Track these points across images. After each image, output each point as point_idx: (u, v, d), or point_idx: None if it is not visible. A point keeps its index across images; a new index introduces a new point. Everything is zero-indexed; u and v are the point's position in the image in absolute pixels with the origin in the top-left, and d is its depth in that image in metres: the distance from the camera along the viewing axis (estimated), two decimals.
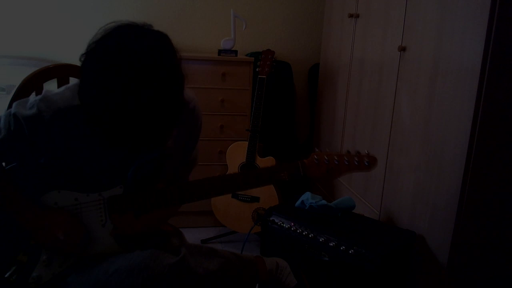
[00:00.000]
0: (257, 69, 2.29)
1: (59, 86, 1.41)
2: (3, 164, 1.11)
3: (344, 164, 1.12)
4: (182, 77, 0.98)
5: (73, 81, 1.41)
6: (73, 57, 1.05)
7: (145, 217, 1.14)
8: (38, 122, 1.04)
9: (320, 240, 1.54)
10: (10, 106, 1.24)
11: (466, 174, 1.35)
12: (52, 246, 1.08)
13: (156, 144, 1.02)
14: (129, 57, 0.89)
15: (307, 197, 1.79)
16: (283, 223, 1.66)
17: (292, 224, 1.63)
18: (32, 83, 1.41)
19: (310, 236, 1.57)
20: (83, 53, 0.95)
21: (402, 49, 1.69)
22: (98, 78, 0.91)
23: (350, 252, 1.46)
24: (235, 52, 2.47)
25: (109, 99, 0.90)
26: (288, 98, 2.80)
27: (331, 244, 1.51)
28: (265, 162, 2.20)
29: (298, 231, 1.61)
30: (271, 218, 1.70)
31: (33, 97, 1.08)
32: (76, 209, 1.11)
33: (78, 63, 1.00)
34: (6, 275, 1.05)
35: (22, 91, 1.38)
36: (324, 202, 1.75)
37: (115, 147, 1.00)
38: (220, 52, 2.46)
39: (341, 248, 1.49)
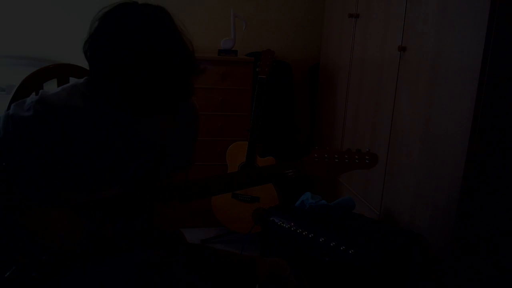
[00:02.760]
0: (257, 69, 2.29)
1: (59, 86, 1.41)
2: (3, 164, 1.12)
3: (344, 162, 1.12)
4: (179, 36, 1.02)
5: (72, 81, 1.41)
6: (73, 57, 1.05)
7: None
8: (35, 124, 1.05)
9: (320, 240, 1.54)
10: (9, 106, 1.24)
11: (466, 173, 1.35)
12: (52, 245, 1.08)
13: (170, 106, 1.04)
14: (135, 24, 0.95)
15: (307, 197, 1.79)
16: (283, 223, 1.66)
17: (292, 224, 1.63)
18: (32, 83, 1.41)
19: (310, 236, 1.57)
20: (94, 26, 0.99)
21: (402, 49, 1.69)
22: (110, 43, 0.96)
23: (350, 252, 1.46)
24: (235, 52, 2.47)
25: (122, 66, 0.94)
26: (288, 98, 2.80)
27: (331, 244, 1.51)
28: (265, 162, 2.20)
29: (298, 231, 1.61)
30: (271, 218, 1.70)
31: (30, 98, 1.09)
32: (75, 209, 1.11)
33: (78, 63, 1.01)
34: (6, 275, 1.05)
35: (22, 91, 1.38)
36: (324, 202, 1.75)
37: (133, 112, 1.04)
38: (220, 52, 2.46)
39: (341, 248, 1.49)
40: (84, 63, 1.07)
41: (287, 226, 1.64)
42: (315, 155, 1.12)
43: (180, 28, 1.03)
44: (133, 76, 0.94)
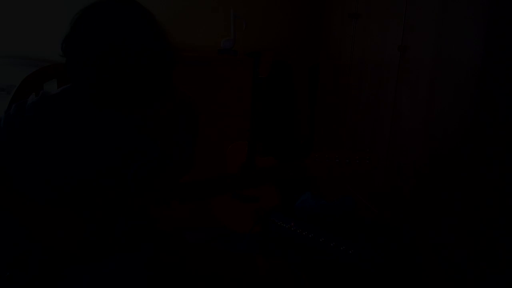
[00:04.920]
0: (257, 69, 2.29)
1: (59, 86, 1.41)
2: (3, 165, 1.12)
3: (345, 162, 1.12)
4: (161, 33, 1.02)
5: None
6: None
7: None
8: (35, 125, 1.05)
9: (320, 240, 1.54)
10: (9, 106, 1.24)
11: (467, 173, 1.35)
12: (52, 245, 1.08)
13: (142, 102, 1.04)
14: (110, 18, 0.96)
15: (307, 197, 1.78)
16: (283, 223, 1.66)
17: (292, 224, 1.63)
18: (32, 83, 1.41)
19: (310, 236, 1.57)
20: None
21: (402, 49, 1.69)
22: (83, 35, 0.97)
23: (350, 252, 1.46)
24: (235, 52, 2.47)
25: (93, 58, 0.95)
26: (288, 98, 2.80)
27: (331, 244, 1.51)
28: (265, 162, 2.20)
29: (298, 231, 1.61)
30: (271, 218, 1.70)
31: (31, 99, 1.09)
32: (75, 208, 1.11)
33: None
34: (6, 275, 1.05)
35: (22, 91, 1.38)
36: (324, 202, 1.75)
37: (106, 107, 1.04)
38: (219, 52, 2.46)
39: (341, 248, 1.49)
40: None
41: (287, 226, 1.64)
42: (316, 155, 1.13)
43: (155, 21, 1.03)
44: (104, 73, 0.95)
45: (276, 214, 1.70)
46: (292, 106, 2.83)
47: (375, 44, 1.98)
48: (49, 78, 1.45)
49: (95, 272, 1.08)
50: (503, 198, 1.38)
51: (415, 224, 1.62)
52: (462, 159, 1.35)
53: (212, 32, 2.72)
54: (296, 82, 2.87)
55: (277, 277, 1.39)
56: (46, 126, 1.05)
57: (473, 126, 1.31)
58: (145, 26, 1.00)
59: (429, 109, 1.53)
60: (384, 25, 1.88)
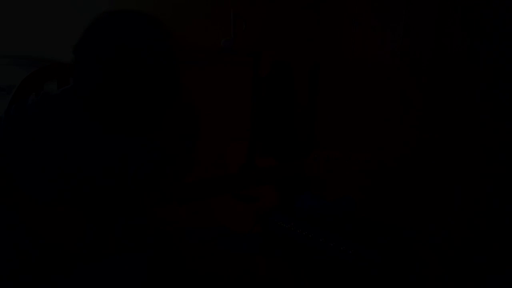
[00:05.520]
0: (257, 69, 2.29)
1: (59, 87, 1.41)
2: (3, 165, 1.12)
3: (345, 163, 1.12)
4: (171, 61, 1.01)
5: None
6: None
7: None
8: (36, 125, 1.05)
9: (320, 240, 1.54)
10: (10, 106, 1.25)
11: (467, 173, 1.35)
12: (54, 243, 1.08)
13: (146, 126, 1.05)
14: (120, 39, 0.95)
15: (307, 197, 1.79)
16: (283, 223, 1.66)
17: (292, 224, 1.63)
18: (32, 83, 1.41)
19: (310, 236, 1.57)
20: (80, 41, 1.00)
21: (402, 49, 1.69)
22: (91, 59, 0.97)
23: (350, 252, 1.46)
24: (235, 52, 2.47)
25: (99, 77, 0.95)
26: (288, 98, 2.80)
27: (331, 244, 1.51)
28: (265, 162, 2.20)
29: (297, 231, 1.61)
30: (271, 218, 1.70)
31: (31, 100, 1.09)
32: (76, 207, 1.11)
33: None
34: (6, 275, 1.05)
35: (22, 91, 1.38)
36: (324, 202, 1.75)
37: (109, 131, 1.04)
38: (219, 52, 2.46)
39: (341, 248, 1.49)
40: None
41: (287, 226, 1.64)
42: (316, 156, 1.13)
43: (168, 34, 1.02)
44: (113, 90, 0.95)
45: (276, 214, 1.70)
46: (292, 106, 2.83)
47: (375, 44, 1.98)
48: (49, 78, 1.45)
49: (95, 272, 1.08)
50: (504, 197, 1.38)
51: (416, 224, 1.62)
52: (462, 156, 1.35)
53: (212, 32, 2.72)
54: (296, 82, 2.86)
55: (277, 277, 1.39)
56: (47, 126, 1.05)
57: (474, 125, 1.31)
58: (158, 39, 1.00)
59: (429, 109, 1.53)
60: (384, 25, 1.88)
